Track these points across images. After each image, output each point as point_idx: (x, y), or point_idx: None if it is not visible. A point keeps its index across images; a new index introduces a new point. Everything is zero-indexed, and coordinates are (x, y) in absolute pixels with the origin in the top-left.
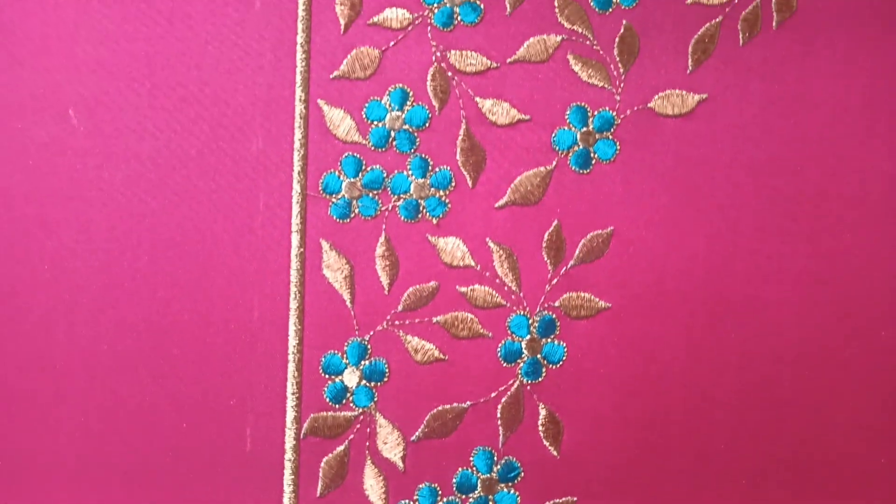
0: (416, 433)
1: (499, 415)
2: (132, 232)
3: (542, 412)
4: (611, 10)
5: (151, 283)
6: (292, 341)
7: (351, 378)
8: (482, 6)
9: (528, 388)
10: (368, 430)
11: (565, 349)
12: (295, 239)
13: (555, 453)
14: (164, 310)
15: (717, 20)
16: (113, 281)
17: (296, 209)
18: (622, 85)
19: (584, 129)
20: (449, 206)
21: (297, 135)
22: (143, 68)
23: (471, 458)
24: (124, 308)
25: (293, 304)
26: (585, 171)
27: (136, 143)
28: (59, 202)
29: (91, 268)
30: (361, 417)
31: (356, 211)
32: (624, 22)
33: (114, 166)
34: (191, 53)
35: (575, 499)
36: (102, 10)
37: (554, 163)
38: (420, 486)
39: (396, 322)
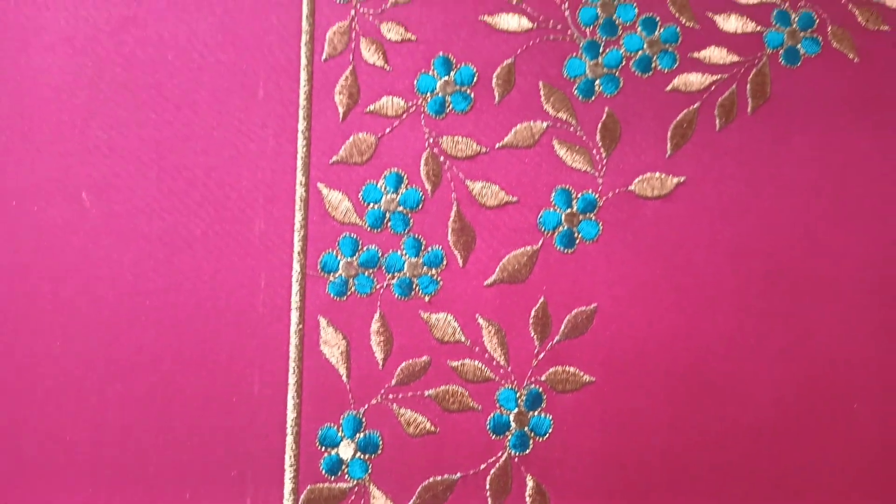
0: None
1: (487, 486)
2: (140, 308)
3: (530, 483)
4: (593, 98)
5: (157, 356)
6: (290, 414)
7: (346, 450)
8: (472, 95)
9: (516, 459)
10: (363, 501)
11: (552, 422)
12: (294, 316)
13: None
14: (169, 382)
15: (695, 106)
16: (119, 354)
17: (295, 287)
18: (604, 168)
19: (569, 210)
20: (441, 283)
21: (298, 216)
22: (152, 153)
23: None
24: (130, 380)
25: (292, 379)
26: (570, 251)
27: (146, 224)
28: (71, 279)
29: (99, 343)
30: (356, 489)
31: (353, 289)
32: (606, 109)
33: (123, 246)
34: (197, 139)
35: None
36: (114, 98)
37: (540, 242)
38: None
39: (390, 396)
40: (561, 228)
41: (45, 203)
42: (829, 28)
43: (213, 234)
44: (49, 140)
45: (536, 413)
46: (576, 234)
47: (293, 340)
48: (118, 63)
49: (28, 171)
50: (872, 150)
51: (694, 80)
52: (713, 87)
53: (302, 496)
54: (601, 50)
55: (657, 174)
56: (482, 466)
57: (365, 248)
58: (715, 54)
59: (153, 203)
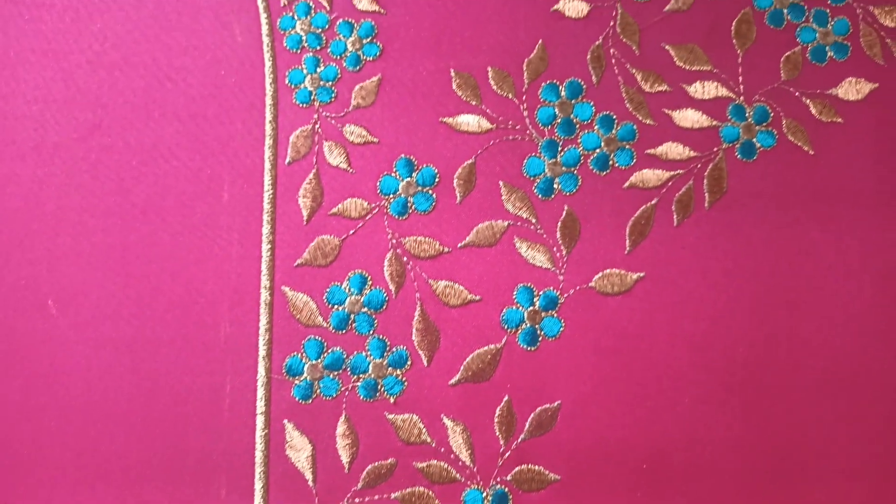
0: None
1: None
2: (107, 414)
3: None
4: (553, 196)
5: (125, 464)
6: None
7: None
8: (434, 195)
9: None
10: None
11: None
12: (260, 420)
13: None
14: (137, 492)
15: (653, 203)
16: (86, 461)
17: (261, 392)
18: (565, 266)
19: (531, 308)
20: (406, 384)
21: (263, 320)
22: (118, 258)
23: None
24: (99, 489)
25: (258, 485)
26: (533, 349)
27: (112, 330)
28: (38, 387)
29: (69, 452)
30: None
31: (318, 392)
32: (565, 207)
33: (91, 352)
34: (163, 244)
35: None
36: (81, 203)
37: (503, 340)
38: None
39: (356, 500)
40: (524, 326)
41: (12, 310)
42: (784, 121)
43: (180, 339)
44: (16, 247)
45: None
46: (539, 332)
47: (259, 445)
48: (84, 169)
49: None
50: (827, 242)
51: (651, 176)
52: (670, 183)
53: None
54: (560, 149)
55: (617, 271)
56: None
57: (330, 351)
58: (672, 150)
59: (120, 309)
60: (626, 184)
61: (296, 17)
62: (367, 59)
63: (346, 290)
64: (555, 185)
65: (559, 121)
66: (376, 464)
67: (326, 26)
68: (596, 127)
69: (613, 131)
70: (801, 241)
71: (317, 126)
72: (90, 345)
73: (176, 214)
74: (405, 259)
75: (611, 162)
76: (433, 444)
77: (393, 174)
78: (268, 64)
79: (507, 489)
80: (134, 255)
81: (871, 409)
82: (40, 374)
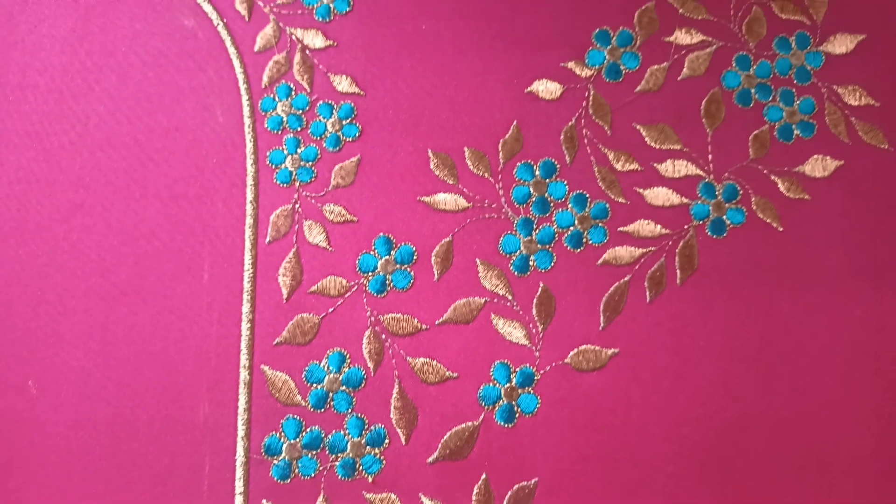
0: None
1: None
2: (86, 496)
3: None
4: (528, 273)
5: None
6: None
7: None
8: (412, 273)
9: None
10: None
11: None
12: (238, 501)
13: None
14: None
15: (626, 279)
16: None
17: (239, 472)
18: (541, 342)
19: (508, 385)
20: (384, 462)
21: (242, 399)
22: (98, 339)
23: None
24: None
25: None
26: (510, 426)
27: (91, 411)
28: (20, 466)
29: None
30: None
31: (296, 471)
32: (541, 284)
33: (71, 433)
34: (143, 324)
35: None
36: (62, 284)
37: (481, 417)
38: None
39: None
40: (501, 403)
41: None
42: (753, 199)
43: (159, 419)
44: None
45: None
46: (516, 409)
47: None
48: (66, 249)
49: None
50: (797, 317)
51: (624, 253)
52: (643, 260)
53: None
54: (535, 227)
55: (592, 347)
56: None
57: (308, 430)
58: (644, 228)
59: (99, 389)
60: (600, 261)
61: (277, 99)
62: (347, 139)
63: (325, 369)
64: (530, 263)
65: (534, 199)
66: None
67: (307, 108)
68: (570, 205)
69: (587, 209)
70: (772, 316)
71: (297, 205)
72: (70, 425)
73: (156, 295)
74: (384, 337)
75: (584, 239)
76: None
77: (372, 252)
78: (249, 145)
79: None
80: (114, 335)
81: (845, 483)
82: (21, 454)
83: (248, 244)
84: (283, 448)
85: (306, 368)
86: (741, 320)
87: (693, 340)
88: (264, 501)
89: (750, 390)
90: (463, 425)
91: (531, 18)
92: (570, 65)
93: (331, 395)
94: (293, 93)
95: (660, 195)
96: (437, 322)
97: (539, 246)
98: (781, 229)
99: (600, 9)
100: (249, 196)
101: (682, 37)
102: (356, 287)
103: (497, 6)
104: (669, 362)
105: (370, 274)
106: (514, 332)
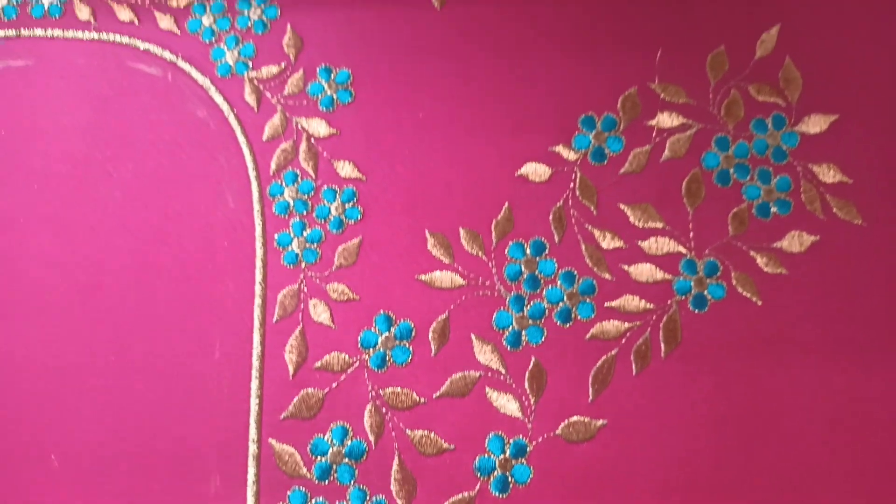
0: None
1: None
2: None
3: None
4: (521, 347)
5: None
6: None
7: None
8: (411, 349)
9: None
10: None
11: None
12: None
13: None
14: None
15: (613, 353)
16: None
17: None
18: (533, 415)
19: (502, 456)
20: None
21: (251, 472)
22: (115, 415)
23: None
24: None
25: None
26: (504, 496)
27: (110, 484)
28: None
29: None
30: None
31: None
32: (532, 358)
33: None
34: (157, 401)
35: None
36: (78, 361)
37: (476, 488)
38: None
39: None
40: (496, 474)
41: (17, 465)
42: (733, 274)
43: (172, 491)
44: (19, 403)
45: None
46: (510, 479)
47: None
48: (84, 328)
49: (4, 440)
50: (778, 388)
51: (611, 328)
52: (629, 334)
53: None
54: (526, 303)
55: (581, 418)
56: None
57: (313, 501)
58: (629, 303)
59: (117, 462)
60: (588, 335)
61: (284, 185)
62: (350, 222)
63: (329, 442)
64: (522, 338)
65: (525, 277)
66: None
67: (312, 192)
68: (559, 282)
69: (575, 286)
70: (754, 387)
71: (303, 285)
72: (89, 497)
73: (170, 372)
74: (384, 410)
75: (573, 315)
76: None
77: (373, 329)
78: (258, 228)
79: None
80: (129, 410)
81: None
82: None
83: (256, 323)
84: None
85: (311, 441)
86: (724, 392)
87: (678, 411)
88: None
89: (734, 459)
90: (460, 496)
91: (520, 105)
92: (558, 149)
93: (334, 467)
94: (299, 178)
95: (644, 272)
96: (434, 395)
97: (530, 321)
98: (761, 303)
99: (585, 95)
100: (258, 277)
101: (663, 120)
102: (358, 363)
103: (488, 95)
104: (656, 433)
105: (371, 350)
106: (507, 405)
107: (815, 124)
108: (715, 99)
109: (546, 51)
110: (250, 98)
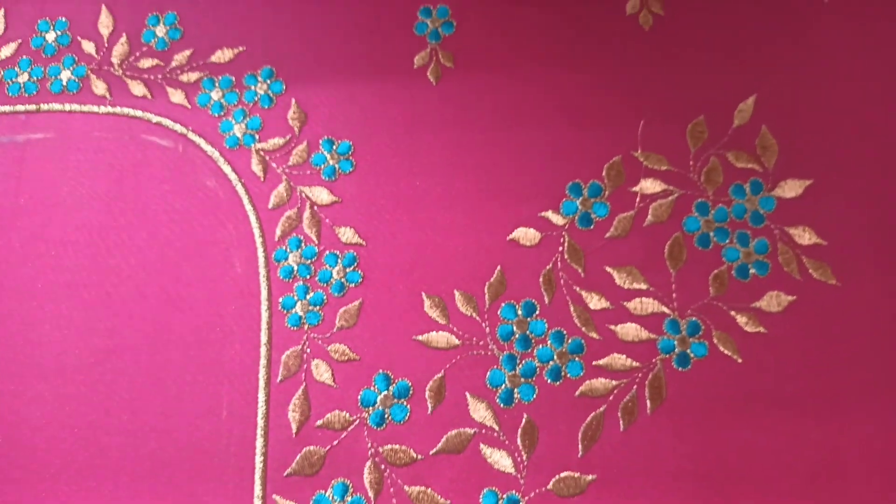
0: None
1: None
2: None
3: None
4: (513, 405)
5: None
6: None
7: None
8: (409, 407)
9: None
10: None
11: None
12: None
13: None
14: None
15: (601, 409)
16: None
17: None
18: (525, 470)
19: None
20: None
21: None
22: (129, 473)
23: None
24: None
25: None
26: None
27: None
28: None
29: None
30: None
31: None
32: (525, 415)
33: None
34: (168, 459)
35: None
36: (94, 425)
37: None
38: None
39: None
40: None
41: None
42: (714, 333)
43: None
44: (36, 461)
45: None
46: None
47: None
48: (101, 389)
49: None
50: (760, 443)
51: (599, 385)
52: (616, 391)
53: None
54: (518, 362)
55: (572, 473)
56: None
57: None
58: (616, 361)
59: None
60: (578, 392)
61: (288, 250)
62: (350, 285)
63: (330, 498)
64: (515, 395)
65: (517, 337)
66: None
67: (315, 257)
68: (549, 342)
69: (564, 345)
70: (737, 442)
71: (306, 346)
72: None
73: (181, 431)
74: (383, 467)
75: (563, 373)
76: None
77: (372, 388)
78: (264, 292)
79: None
80: (142, 468)
81: None
82: None
83: (261, 383)
84: None
85: (314, 498)
86: (708, 446)
87: (665, 465)
88: None
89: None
90: None
91: (511, 173)
92: (547, 214)
93: None
94: (303, 244)
95: (630, 331)
96: (431, 452)
97: (522, 380)
98: (741, 361)
99: (572, 163)
100: (264, 339)
101: (646, 186)
102: (358, 421)
103: (481, 165)
104: (644, 486)
105: (371, 408)
106: (501, 461)
107: (790, 189)
108: (695, 166)
109: (535, 123)
110: (257, 168)
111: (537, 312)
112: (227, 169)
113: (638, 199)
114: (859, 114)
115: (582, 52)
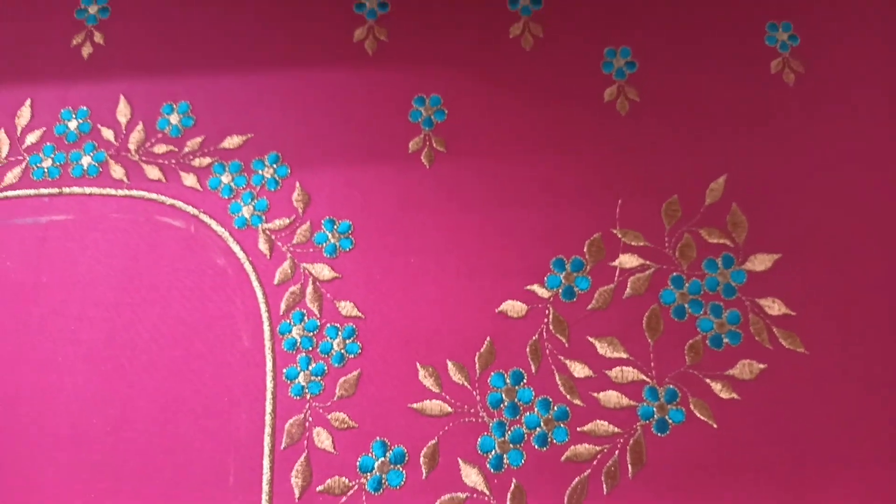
0: None
1: None
2: None
3: None
4: (503, 470)
5: None
6: None
7: None
8: (404, 472)
9: None
10: None
11: None
12: None
13: None
14: None
15: (586, 474)
16: None
17: None
18: None
19: None
20: None
21: None
22: None
23: None
24: None
25: None
26: None
27: None
28: None
29: None
30: None
31: None
32: (514, 480)
33: None
34: None
35: None
36: (107, 492)
37: None
38: None
39: None
40: None
41: None
42: (691, 400)
43: None
44: None
45: None
46: None
47: None
48: (115, 458)
49: None
50: (733, 502)
51: (583, 450)
52: (599, 456)
53: None
54: (507, 428)
55: None
56: None
57: None
58: (599, 428)
59: None
60: (563, 457)
61: (292, 324)
62: (350, 356)
63: None
64: (504, 461)
65: (506, 405)
66: None
67: (317, 330)
68: (536, 409)
69: (550, 412)
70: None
71: (308, 415)
72: None
73: (189, 497)
74: None
75: (549, 439)
76: None
77: (370, 454)
78: (269, 364)
79: None
80: None
81: None
82: None
83: (266, 450)
84: None
85: None
86: None
87: None
88: None
89: None
90: None
91: (499, 250)
92: (533, 288)
93: None
94: (306, 318)
95: (612, 399)
96: None
97: (511, 445)
98: (717, 426)
99: (556, 240)
100: (269, 408)
101: (625, 261)
102: (357, 486)
103: (471, 242)
104: None
105: (369, 474)
106: None
107: (760, 263)
108: (670, 242)
109: (521, 202)
110: (263, 247)
111: (525, 381)
112: (235, 248)
113: (617, 274)
114: (823, 191)
115: (563, 136)
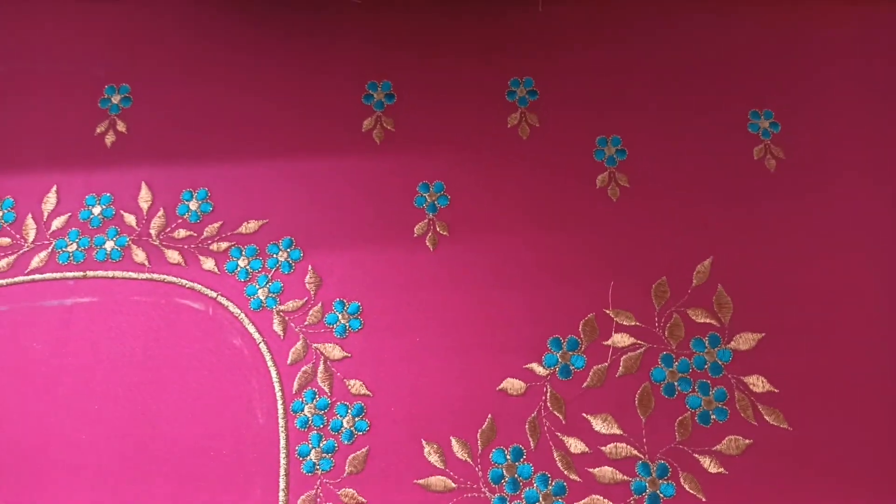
0: None
1: None
2: None
3: None
4: None
5: None
6: None
7: None
8: None
9: None
10: None
11: None
12: None
13: None
14: None
15: None
16: None
17: None
18: None
19: None
20: None
21: None
22: None
23: None
24: None
25: None
26: None
27: None
28: None
29: None
30: None
31: None
32: None
33: None
34: None
35: None
36: None
37: None
38: None
39: None
40: None
41: None
42: (681, 475)
43: None
44: None
45: None
46: None
47: None
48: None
49: None
50: None
51: None
52: None
53: None
54: (508, 503)
55: None
56: None
57: None
58: (595, 502)
59: None
60: None
61: (304, 402)
62: (359, 433)
63: None
64: None
65: (507, 480)
66: None
67: (328, 408)
68: (535, 484)
69: (549, 487)
70: None
71: (319, 491)
72: None
73: None
74: None
75: None
76: None
77: None
78: (282, 441)
79: None
80: None
81: None
82: None
83: None
84: None
85: None
86: None
87: None
88: None
89: None
90: None
91: (499, 329)
92: (532, 366)
93: None
94: (317, 396)
95: (606, 474)
96: None
97: None
98: (705, 500)
99: (552, 320)
100: (282, 484)
101: (617, 340)
102: None
103: (473, 321)
104: None
105: None
106: None
107: (745, 342)
108: (660, 322)
109: (519, 283)
110: (278, 328)
111: (524, 457)
112: (251, 329)
113: (610, 352)
114: (805, 273)
115: (559, 220)
